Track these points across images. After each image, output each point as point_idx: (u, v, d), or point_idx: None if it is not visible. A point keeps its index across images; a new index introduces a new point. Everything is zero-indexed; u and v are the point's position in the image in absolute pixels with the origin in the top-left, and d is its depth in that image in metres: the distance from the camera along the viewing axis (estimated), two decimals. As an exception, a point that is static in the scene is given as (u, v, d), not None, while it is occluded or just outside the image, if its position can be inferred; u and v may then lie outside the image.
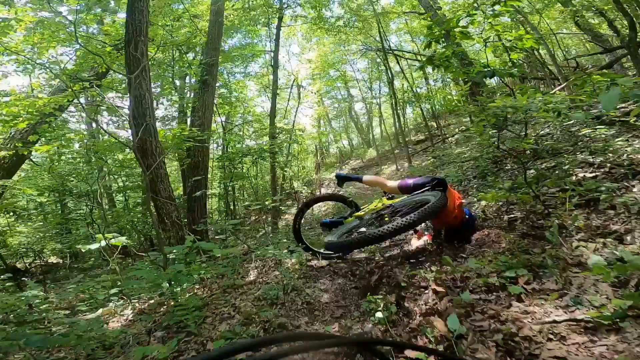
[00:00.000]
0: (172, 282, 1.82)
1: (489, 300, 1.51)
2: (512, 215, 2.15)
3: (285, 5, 8.33)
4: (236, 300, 2.22)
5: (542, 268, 1.56)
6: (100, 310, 3.08)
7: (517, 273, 1.53)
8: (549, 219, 1.95)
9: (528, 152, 3.15)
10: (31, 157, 7.33)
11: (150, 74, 4.47)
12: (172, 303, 2.13)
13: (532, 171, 2.92)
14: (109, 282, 2.68)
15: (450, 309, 1.48)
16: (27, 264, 7.42)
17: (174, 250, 2.31)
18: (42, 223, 7.87)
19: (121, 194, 8.11)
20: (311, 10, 9.82)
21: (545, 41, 7.60)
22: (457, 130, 11.41)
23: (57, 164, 7.58)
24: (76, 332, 1.91)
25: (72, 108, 7.23)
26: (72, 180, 7.35)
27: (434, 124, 12.50)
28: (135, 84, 3.15)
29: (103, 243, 2.93)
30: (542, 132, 4.11)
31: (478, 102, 3.96)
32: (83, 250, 4.02)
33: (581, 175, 2.36)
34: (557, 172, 2.44)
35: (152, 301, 2.75)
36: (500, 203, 2.39)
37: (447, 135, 10.85)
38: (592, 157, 2.67)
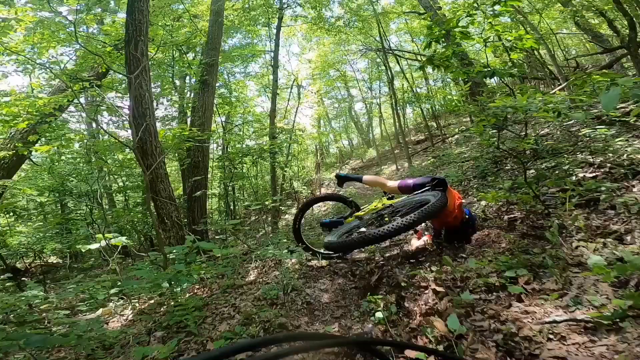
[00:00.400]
0: (172, 282, 1.82)
1: (489, 300, 1.51)
2: (512, 215, 2.15)
3: (286, 5, 8.33)
4: (236, 300, 2.22)
5: (542, 268, 1.56)
6: (100, 310, 3.08)
7: (517, 273, 1.53)
8: (549, 219, 1.95)
9: (528, 152, 3.14)
10: (31, 157, 7.33)
11: (150, 74, 4.47)
12: (172, 303, 2.13)
13: (532, 171, 2.92)
14: (109, 282, 2.68)
15: (450, 309, 1.48)
16: (27, 264, 7.41)
17: (174, 250, 2.31)
18: (42, 223, 7.87)
19: (121, 194, 8.12)
20: (311, 10, 9.82)
21: (545, 41, 7.60)
22: (457, 130, 11.41)
23: (57, 164, 7.58)
24: (76, 332, 1.91)
25: (72, 108, 7.24)
26: (72, 180, 7.35)
27: (434, 124, 12.50)
28: (135, 84, 3.15)
29: (103, 243, 2.93)
30: (542, 132, 4.11)
31: (478, 102, 3.95)
32: (83, 250, 4.02)
33: (581, 175, 2.36)
34: (557, 172, 2.44)
35: (152, 301, 2.75)
36: (500, 203, 2.39)
37: (447, 135, 10.85)
38: (592, 157, 2.67)
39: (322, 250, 2.90)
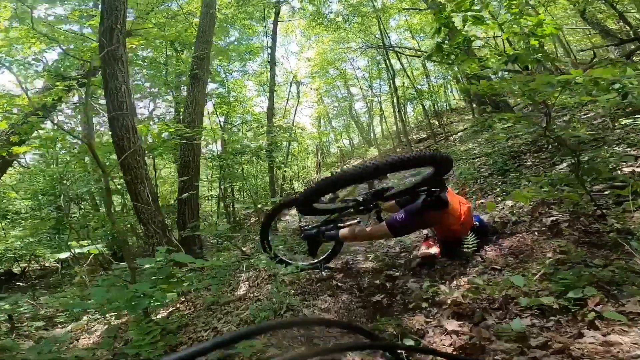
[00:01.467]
0: (134, 303, 1.45)
1: (547, 328, 1.14)
2: (553, 218, 1.77)
3: (282, 0, 7.99)
4: (219, 323, 1.85)
5: (615, 285, 1.19)
6: (71, 325, 2.79)
7: (585, 293, 1.15)
8: (604, 221, 1.57)
9: (573, 141, 2.69)
10: (18, 160, 7.00)
11: (144, 72, 4.10)
12: (144, 324, 1.77)
13: (562, 166, 2.55)
14: (70, 298, 2.32)
15: (495, 344, 1.10)
16: (22, 268, 7.10)
17: (144, 264, 1.93)
18: (25, 229, 7.53)
19: (118, 195, 7.73)
20: (309, 6, 9.53)
21: (558, 34, 7.26)
22: (460, 127, 11.10)
23: (50, 167, 7.26)
24: (42, 353, 1.57)
25: (67, 109, 6.92)
26: (65, 183, 7.00)
27: (436, 122, 12.14)
28: (109, 75, 2.79)
29: (71, 252, 2.58)
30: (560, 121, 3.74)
31: (486, 99, 3.55)
32: (52, 260, 3.73)
33: (627, 170, 1.98)
34: (601, 164, 2.05)
35: (123, 319, 2.39)
36: (533, 203, 2.01)
37: (450, 133, 10.51)
38: (635, 150, 2.30)
39: (301, 263, 2.45)
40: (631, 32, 6.93)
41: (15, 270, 7.00)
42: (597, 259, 1.34)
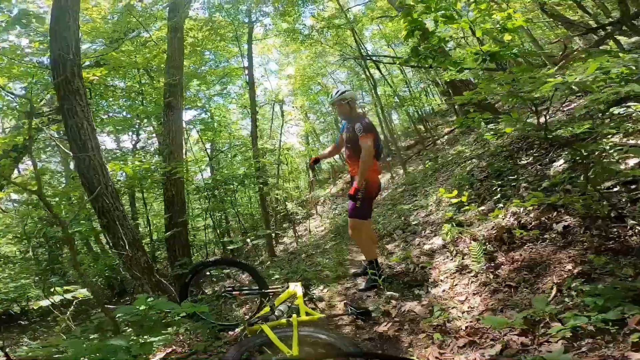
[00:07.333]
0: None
1: (583, 353, 0.97)
2: (564, 223, 1.61)
3: (254, 19, 7.97)
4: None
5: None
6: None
7: (625, 311, 0.99)
8: (622, 223, 1.43)
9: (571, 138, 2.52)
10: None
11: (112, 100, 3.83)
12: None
13: (560, 163, 2.43)
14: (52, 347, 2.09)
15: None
16: (22, 307, 6.70)
17: (121, 313, 1.74)
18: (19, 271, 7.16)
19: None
20: (283, 24, 9.59)
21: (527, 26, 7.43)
22: (445, 130, 11.16)
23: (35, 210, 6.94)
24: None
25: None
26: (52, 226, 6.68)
27: (422, 127, 12.21)
28: (68, 111, 2.59)
29: (58, 298, 2.38)
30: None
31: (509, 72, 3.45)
32: (35, 307, 3.58)
33: (633, 162, 1.86)
34: (605, 161, 1.92)
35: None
36: (537, 208, 1.85)
37: (437, 137, 10.55)
38: (632, 139, 2.20)
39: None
40: (592, 21, 7.12)
41: (16, 309, 6.63)
42: (625, 267, 1.18)
